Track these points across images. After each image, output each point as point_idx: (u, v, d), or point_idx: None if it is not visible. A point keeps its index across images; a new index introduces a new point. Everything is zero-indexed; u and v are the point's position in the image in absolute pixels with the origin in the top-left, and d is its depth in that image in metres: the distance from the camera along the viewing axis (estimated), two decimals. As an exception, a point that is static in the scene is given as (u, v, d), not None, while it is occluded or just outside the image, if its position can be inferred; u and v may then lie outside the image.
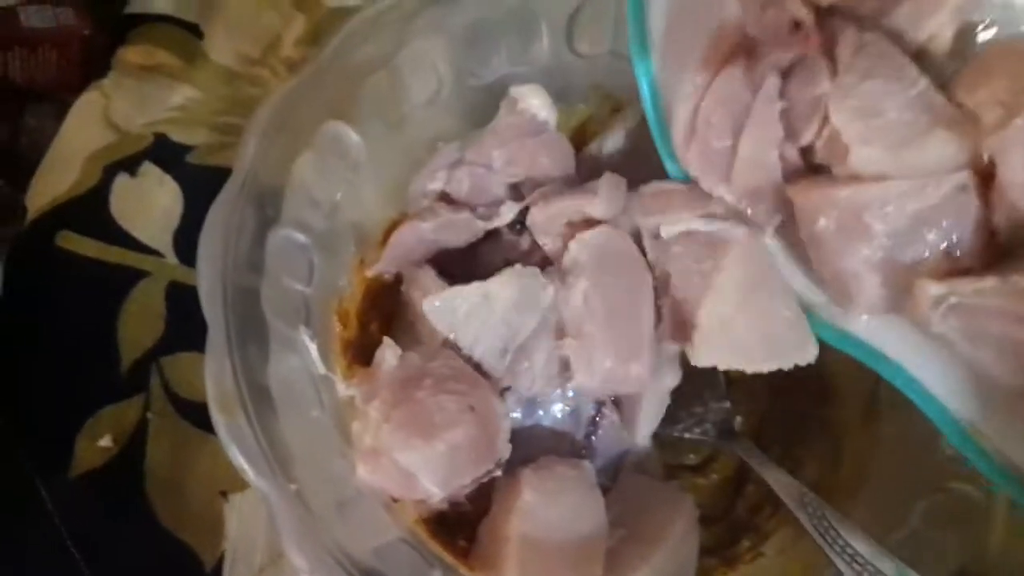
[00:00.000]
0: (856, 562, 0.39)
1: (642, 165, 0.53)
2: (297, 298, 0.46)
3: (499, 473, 0.47)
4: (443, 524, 0.47)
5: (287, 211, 0.46)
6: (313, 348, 0.46)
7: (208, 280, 0.42)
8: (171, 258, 0.55)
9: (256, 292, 0.44)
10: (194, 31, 0.66)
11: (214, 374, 0.40)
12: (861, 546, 0.40)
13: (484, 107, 0.52)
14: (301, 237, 0.46)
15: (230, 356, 0.40)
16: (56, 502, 0.48)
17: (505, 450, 0.46)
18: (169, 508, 0.49)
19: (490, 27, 0.52)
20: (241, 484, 0.49)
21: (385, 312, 0.52)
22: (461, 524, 0.47)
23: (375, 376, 0.45)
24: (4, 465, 0.49)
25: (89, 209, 0.56)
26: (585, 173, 0.51)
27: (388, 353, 0.45)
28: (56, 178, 0.57)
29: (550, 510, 0.44)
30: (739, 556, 0.49)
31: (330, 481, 0.42)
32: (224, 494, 0.50)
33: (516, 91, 0.51)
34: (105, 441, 0.50)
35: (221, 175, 0.57)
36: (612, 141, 0.53)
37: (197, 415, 0.51)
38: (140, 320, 0.53)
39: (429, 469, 0.42)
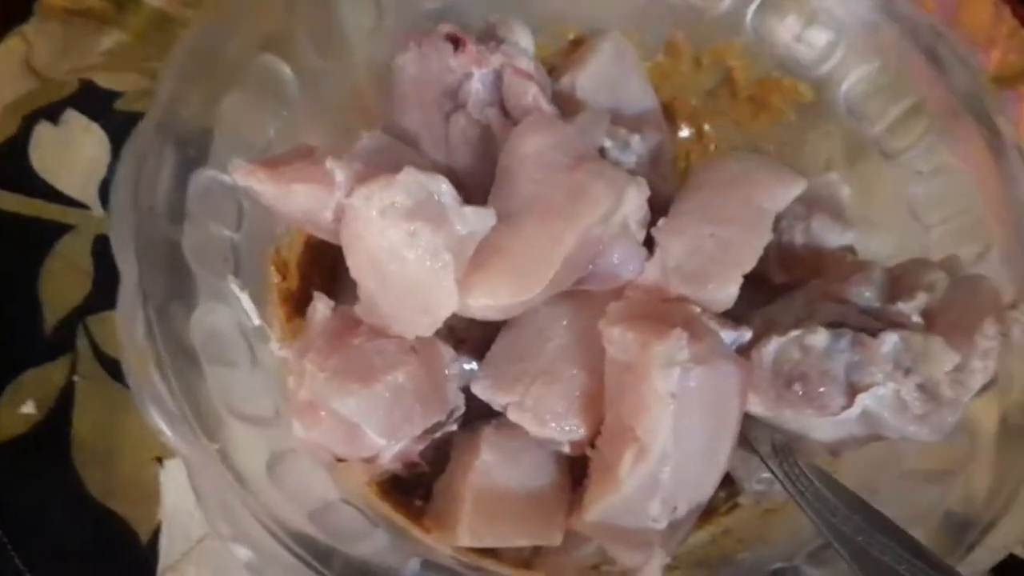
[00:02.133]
0: (830, 512, 0.36)
1: (618, 96, 0.51)
2: (224, 245, 0.42)
3: (455, 427, 0.44)
4: (398, 486, 0.44)
5: (214, 152, 0.43)
6: (245, 298, 0.42)
7: (120, 227, 0.38)
8: (98, 210, 0.52)
9: (178, 239, 0.40)
10: None
11: (126, 328, 0.36)
12: (834, 494, 0.36)
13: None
14: (228, 179, 0.42)
15: (144, 308, 0.37)
16: None
17: (456, 399, 0.43)
18: (99, 477, 0.46)
19: None
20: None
21: (328, 264, 0.48)
22: (418, 485, 0.45)
23: (308, 329, 0.42)
24: None
25: (9, 161, 0.52)
26: (560, 107, 0.47)
27: (320, 305, 0.42)
28: None
29: (510, 470, 0.41)
30: (716, 508, 0.47)
31: (261, 440, 0.38)
32: (159, 460, 0.46)
33: (495, 18, 0.48)
34: (28, 407, 0.46)
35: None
36: (585, 75, 0.48)
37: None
38: (65, 277, 0.49)
39: (371, 416, 0.39)
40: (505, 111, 0.46)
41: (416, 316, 0.39)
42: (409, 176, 0.37)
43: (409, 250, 0.37)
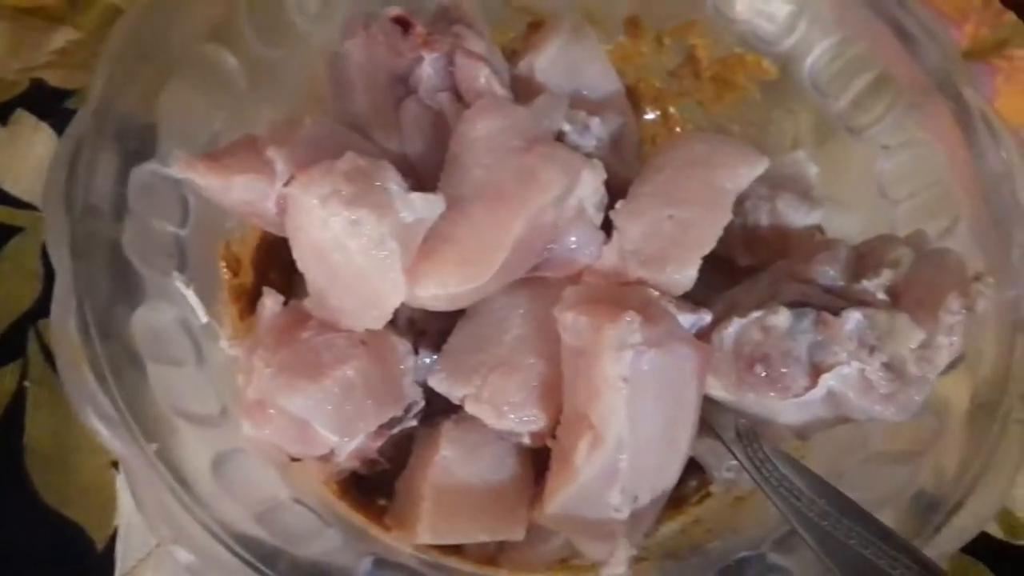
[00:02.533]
0: (795, 496, 0.34)
1: (578, 79, 0.49)
2: (168, 240, 0.41)
3: (415, 423, 0.42)
4: (359, 485, 0.43)
5: (161, 146, 0.41)
6: (191, 295, 0.41)
7: (54, 225, 0.36)
8: None
9: (118, 236, 0.39)
10: None
11: (60, 328, 0.35)
12: (800, 479, 0.35)
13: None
14: (172, 172, 0.41)
15: (78, 307, 0.35)
16: None
17: (413, 394, 0.42)
18: (53, 484, 0.44)
19: None
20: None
21: (284, 259, 0.46)
22: (382, 484, 0.43)
23: (256, 327, 0.40)
24: None
25: None
26: (519, 91, 0.46)
27: (269, 301, 0.41)
28: None
29: (470, 465, 0.40)
30: (686, 498, 0.46)
31: (206, 440, 0.37)
32: (115, 465, 0.45)
33: (447, 0, 0.46)
34: None
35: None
36: (543, 58, 0.47)
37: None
38: (14, 280, 0.48)
39: (320, 412, 0.38)
40: (459, 96, 0.45)
41: (364, 308, 0.38)
42: (350, 162, 0.36)
43: (352, 239, 0.36)
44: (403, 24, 0.44)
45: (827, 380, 0.37)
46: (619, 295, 0.39)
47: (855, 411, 0.37)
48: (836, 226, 0.48)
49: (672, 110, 0.55)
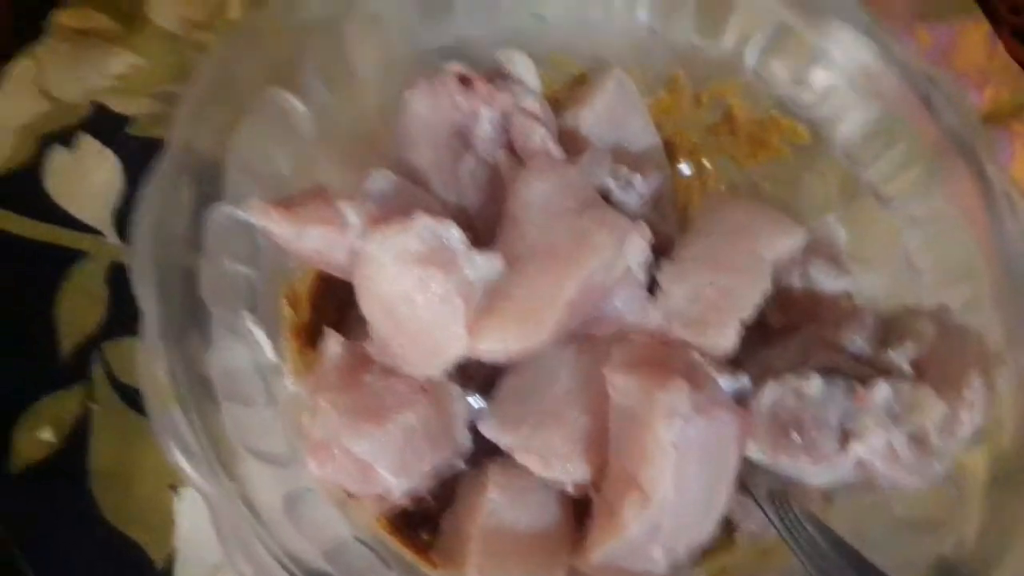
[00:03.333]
0: (820, 556, 0.37)
1: (620, 133, 0.52)
2: (241, 281, 0.44)
3: (462, 465, 0.45)
4: (405, 521, 0.45)
5: (229, 186, 0.44)
6: (260, 335, 0.43)
7: (141, 263, 0.39)
8: (112, 237, 0.53)
9: (195, 276, 0.41)
10: None
11: (148, 364, 0.38)
12: (825, 539, 0.38)
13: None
14: (243, 215, 0.43)
15: (165, 345, 0.38)
16: None
17: (464, 438, 0.44)
18: (116, 504, 0.47)
19: None
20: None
21: (338, 296, 0.49)
22: (424, 520, 0.46)
23: (320, 367, 0.43)
24: None
25: (22, 185, 0.53)
26: (564, 143, 0.48)
27: (331, 342, 0.43)
28: None
29: (516, 510, 0.43)
30: (713, 548, 0.47)
31: (277, 478, 0.40)
32: (174, 488, 0.48)
33: (503, 55, 0.49)
34: (46, 434, 0.47)
35: (161, 147, 0.55)
36: (590, 112, 0.50)
37: (143, 404, 0.48)
38: (79, 303, 0.50)
39: (383, 455, 0.40)
40: (513, 151, 0.48)
41: (426, 358, 0.41)
42: (421, 222, 0.39)
43: (421, 295, 0.39)
44: (464, 81, 0.47)
45: (856, 448, 0.40)
46: (665, 356, 0.42)
47: (880, 478, 0.40)
48: (862, 288, 0.50)
49: (707, 164, 0.57)
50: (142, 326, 0.38)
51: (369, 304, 0.41)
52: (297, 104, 0.46)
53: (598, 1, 0.52)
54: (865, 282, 0.50)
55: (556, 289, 0.40)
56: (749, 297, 0.43)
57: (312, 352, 0.46)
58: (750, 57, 0.51)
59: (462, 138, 0.48)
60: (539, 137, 0.46)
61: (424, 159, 0.46)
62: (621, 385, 0.40)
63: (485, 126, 0.47)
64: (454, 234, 0.40)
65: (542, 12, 0.52)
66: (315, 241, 0.41)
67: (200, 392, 0.38)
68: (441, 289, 0.39)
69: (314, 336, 0.47)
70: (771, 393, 0.42)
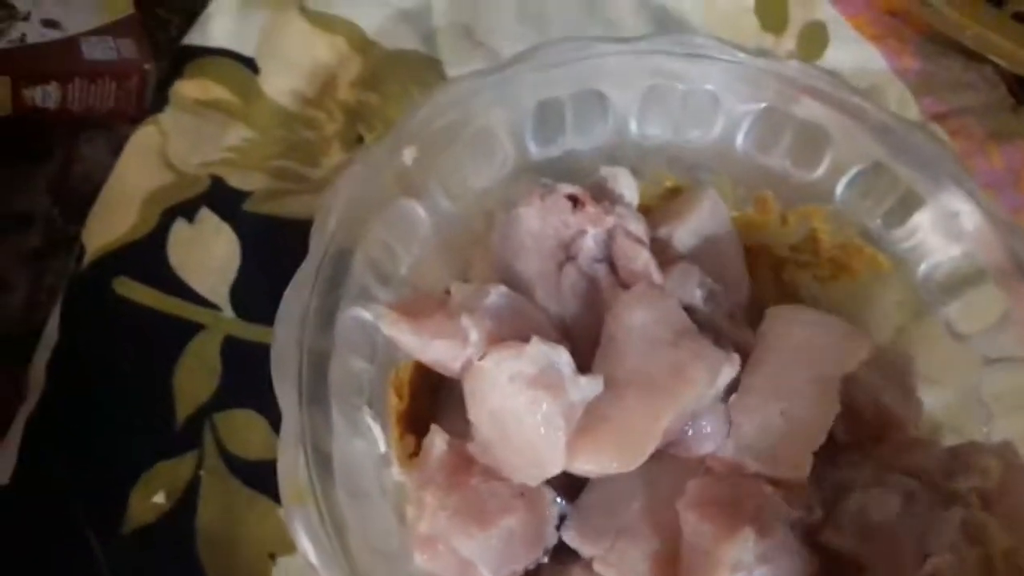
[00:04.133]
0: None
1: (715, 255, 0.55)
2: (363, 378, 0.47)
3: (545, 560, 0.48)
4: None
5: (355, 287, 0.47)
6: (376, 428, 0.46)
7: (284, 367, 0.43)
8: (227, 311, 0.56)
9: (324, 375, 0.45)
10: (250, 65, 0.66)
11: (288, 463, 0.41)
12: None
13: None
14: (368, 315, 0.47)
15: (303, 446, 0.42)
16: (107, 558, 0.49)
17: (552, 538, 0.48)
18: (220, 568, 0.50)
19: (558, 105, 0.54)
20: (290, 547, 0.50)
21: (433, 383, 0.52)
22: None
23: (426, 462, 0.46)
24: (57, 519, 0.49)
25: (147, 255, 0.57)
26: (655, 253, 0.52)
27: (437, 440, 0.46)
28: (113, 218, 0.58)
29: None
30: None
31: (390, 571, 0.43)
32: (272, 556, 0.51)
33: (606, 172, 0.53)
34: (159, 497, 0.51)
35: (276, 224, 0.59)
36: (684, 229, 0.54)
37: (248, 474, 0.52)
38: (196, 374, 0.54)
39: (486, 556, 0.44)
40: (612, 267, 0.51)
41: (527, 468, 0.45)
42: (536, 347, 0.43)
43: (529, 415, 0.43)
44: (574, 201, 0.50)
45: (932, 562, 0.42)
46: (737, 495, 0.45)
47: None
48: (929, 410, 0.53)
49: (786, 279, 0.60)
50: (283, 431, 0.42)
51: (477, 412, 0.44)
52: (420, 211, 0.50)
53: (698, 123, 0.56)
54: (930, 406, 0.53)
55: (654, 419, 0.44)
56: (820, 425, 0.46)
57: (410, 438, 0.49)
58: (841, 188, 0.55)
59: (566, 251, 0.51)
60: (642, 262, 0.50)
61: (531, 269, 0.50)
62: (693, 524, 0.43)
63: (589, 243, 0.51)
64: (564, 358, 0.44)
65: (645, 131, 0.55)
66: (439, 353, 0.45)
67: (328, 485, 0.42)
68: (548, 411, 0.42)
69: (412, 421, 0.50)
70: (856, 502, 0.45)
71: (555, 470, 0.44)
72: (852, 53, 0.74)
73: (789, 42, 0.75)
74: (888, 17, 0.77)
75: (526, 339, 0.43)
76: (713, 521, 0.42)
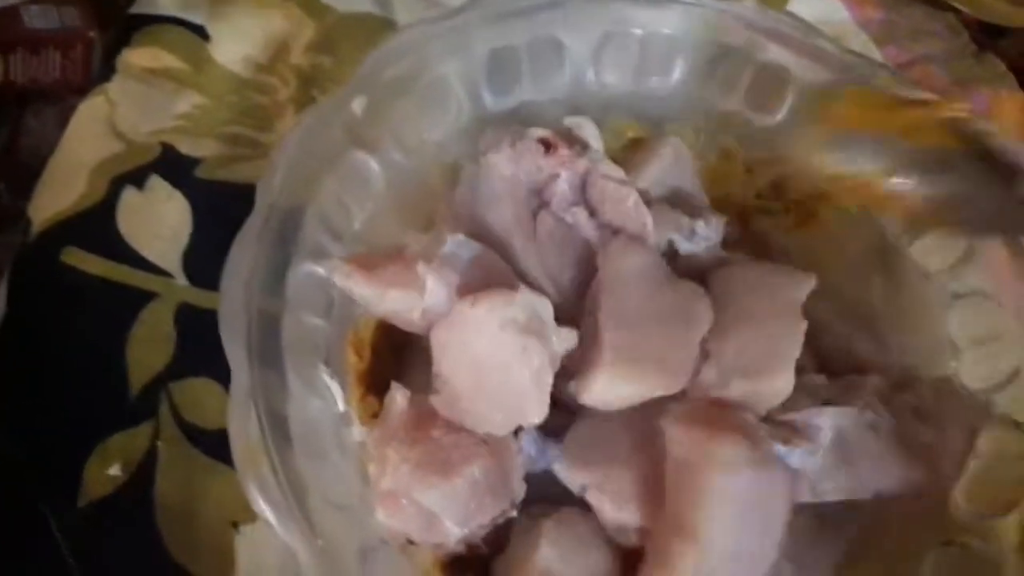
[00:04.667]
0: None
1: (674, 197, 0.55)
2: (317, 334, 0.46)
3: (514, 514, 0.47)
4: (457, 566, 0.48)
5: (307, 244, 0.46)
6: (335, 387, 0.46)
7: (231, 321, 0.42)
8: (180, 279, 0.55)
9: (276, 333, 0.44)
10: (200, 33, 0.65)
11: (236, 418, 0.40)
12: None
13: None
14: (321, 271, 0.46)
15: (255, 406, 0.41)
16: (64, 532, 0.48)
17: (520, 489, 0.47)
18: (180, 539, 0.49)
19: (514, 54, 0.53)
20: (252, 515, 0.49)
21: (397, 338, 0.51)
22: (474, 565, 0.48)
23: (386, 418, 0.45)
24: (9, 493, 0.48)
25: (96, 224, 0.55)
26: None
27: (398, 396, 0.46)
28: (61, 189, 0.56)
29: (567, 564, 0.45)
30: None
31: (351, 529, 0.42)
32: (235, 525, 0.50)
33: (570, 121, 0.52)
34: (114, 469, 0.49)
35: (229, 191, 0.58)
36: (647, 177, 0.53)
37: (207, 443, 0.51)
38: (149, 343, 0.53)
39: (450, 507, 0.43)
40: (590, 211, 0.51)
41: (503, 419, 0.44)
42: (526, 296, 0.43)
43: (518, 364, 0.42)
44: (546, 145, 0.49)
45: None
46: (721, 415, 0.45)
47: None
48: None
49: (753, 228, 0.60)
50: (233, 390, 0.40)
51: (453, 363, 0.44)
52: (373, 164, 0.49)
53: (657, 70, 0.55)
54: (901, 348, 0.53)
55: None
56: (793, 338, 0.46)
57: (372, 398, 0.49)
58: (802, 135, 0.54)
59: (539, 197, 0.50)
60: (632, 201, 0.49)
61: (506, 216, 0.49)
62: (678, 437, 0.43)
63: (563, 186, 0.50)
64: (547, 308, 0.43)
65: (604, 79, 0.54)
66: (395, 303, 0.44)
67: (283, 445, 0.41)
68: (538, 360, 0.42)
69: (374, 381, 0.49)
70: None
71: (537, 419, 0.43)
72: (814, 4, 0.73)
73: (751, -6, 0.74)
74: (849, -34, 0.76)
75: (490, 287, 0.43)
76: (699, 430, 0.43)
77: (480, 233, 0.48)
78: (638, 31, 0.53)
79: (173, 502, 0.50)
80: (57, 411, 0.50)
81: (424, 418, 0.45)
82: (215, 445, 0.51)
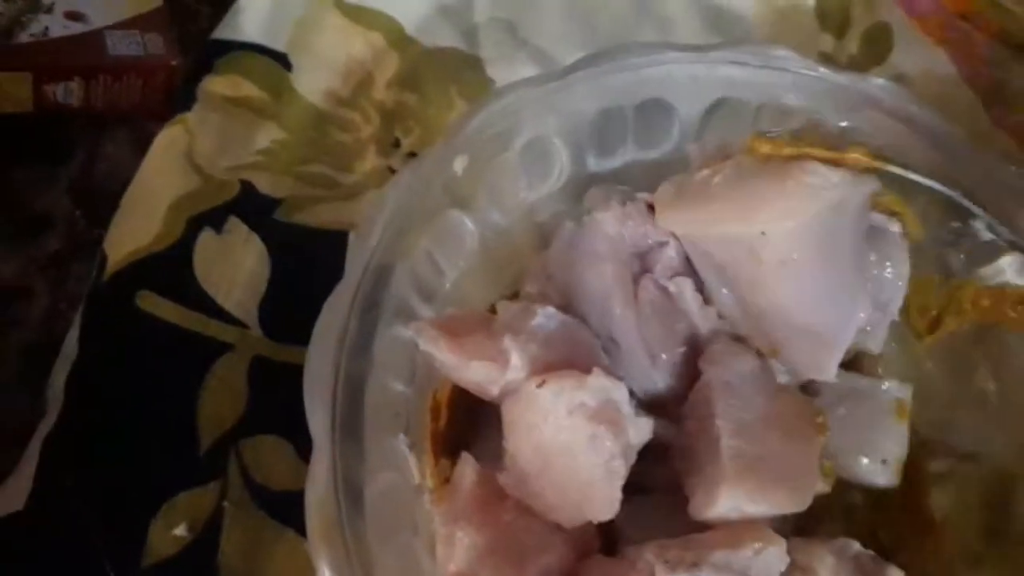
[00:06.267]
0: None
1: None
2: (399, 402, 0.47)
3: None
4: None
5: (396, 304, 0.47)
6: (411, 459, 0.46)
7: (318, 389, 0.42)
8: (255, 330, 0.57)
9: (360, 399, 0.44)
10: (282, 61, 0.65)
11: (316, 495, 0.40)
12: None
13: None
14: (407, 333, 0.46)
15: (334, 478, 0.41)
16: None
17: None
18: (242, 605, 0.49)
19: (621, 114, 0.53)
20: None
21: (470, 403, 0.49)
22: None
23: (455, 495, 0.45)
24: (73, 549, 0.49)
25: (172, 267, 0.57)
26: None
27: (468, 470, 0.46)
28: (137, 226, 0.58)
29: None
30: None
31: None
32: (298, 593, 0.49)
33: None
34: (180, 529, 0.51)
35: (307, 235, 0.57)
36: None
37: (274, 505, 0.52)
38: (221, 397, 0.54)
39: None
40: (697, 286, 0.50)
41: (570, 509, 0.43)
42: (599, 380, 0.42)
43: (586, 452, 0.41)
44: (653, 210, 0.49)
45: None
46: None
47: None
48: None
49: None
50: (314, 454, 0.40)
51: (520, 444, 0.44)
52: (469, 224, 0.50)
53: None
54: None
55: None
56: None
57: (446, 462, 0.48)
58: None
59: (640, 260, 0.49)
60: None
61: (606, 277, 0.48)
62: None
63: (671, 253, 0.49)
64: (623, 395, 0.43)
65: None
66: (478, 376, 0.44)
67: (357, 520, 0.41)
68: (609, 450, 0.41)
69: (448, 445, 0.49)
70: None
71: (607, 515, 0.42)
72: (918, 57, 0.71)
73: (851, 44, 0.72)
74: (958, 19, 0.73)
75: (575, 366, 0.43)
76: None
77: (574, 294, 0.48)
78: (754, 100, 0.52)
79: (237, 566, 0.51)
80: (125, 465, 0.52)
81: (494, 497, 0.45)
82: (282, 508, 0.52)
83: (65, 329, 0.56)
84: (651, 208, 0.49)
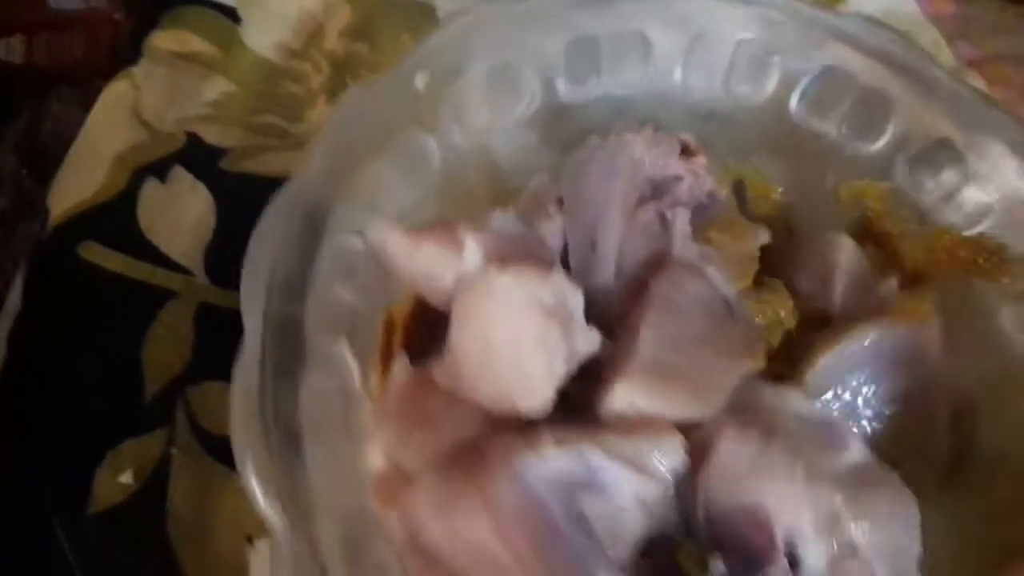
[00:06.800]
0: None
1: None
2: (344, 310, 0.46)
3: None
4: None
5: (346, 217, 0.47)
6: (354, 367, 0.46)
7: (250, 303, 0.42)
8: (201, 277, 0.57)
9: (301, 299, 0.43)
10: (232, 16, 0.65)
11: (242, 410, 0.40)
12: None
13: (568, 126, 0.53)
14: (359, 244, 0.47)
15: (261, 389, 0.40)
16: (72, 541, 0.49)
17: None
18: (192, 552, 0.50)
19: (594, 45, 0.53)
20: (267, 531, 0.48)
21: (433, 324, 0.47)
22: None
23: (387, 392, 0.45)
24: (17, 498, 0.49)
25: (116, 217, 0.58)
26: None
27: (399, 368, 0.45)
28: (81, 179, 0.59)
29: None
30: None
31: (344, 522, 0.41)
32: (250, 539, 0.50)
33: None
34: (126, 477, 0.51)
35: (255, 183, 0.57)
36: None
37: (223, 451, 0.50)
38: (167, 345, 0.54)
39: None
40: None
41: (500, 399, 0.42)
42: (560, 281, 0.42)
43: (532, 346, 0.41)
44: (685, 148, 0.50)
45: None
46: None
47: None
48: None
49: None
50: (238, 370, 0.40)
51: (464, 332, 0.43)
52: (432, 144, 0.50)
53: (748, 78, 0.54)
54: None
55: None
56: None
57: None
58: (899, 165, 0.52)
59: (651, 184, 0.49)
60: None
61: (614, 189, 0.48)
62: None
63: (684, 189, 0.49)
64: (580, 304, 0.43)
65: (689, 82, 0.54)
66: (428, 261, 0.43)
67: (288, 429, 0.40)
68: (555, 347, 0.41)
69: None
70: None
71: (536, 411, 0.41)
72: (880, -4, 0.70)
73: (814, -19, 0.71)
74: (920, -44, 0.73)
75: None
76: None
77: (578, 196, 0.48)
78: (734, 36, 0.53)
79: (186, 513, 0.51)
80: (69, 414, 0.52)
81: (424, 392, 0.44)
82: (231, 453, 0.49)
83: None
84: (683, 145, 0.49)
